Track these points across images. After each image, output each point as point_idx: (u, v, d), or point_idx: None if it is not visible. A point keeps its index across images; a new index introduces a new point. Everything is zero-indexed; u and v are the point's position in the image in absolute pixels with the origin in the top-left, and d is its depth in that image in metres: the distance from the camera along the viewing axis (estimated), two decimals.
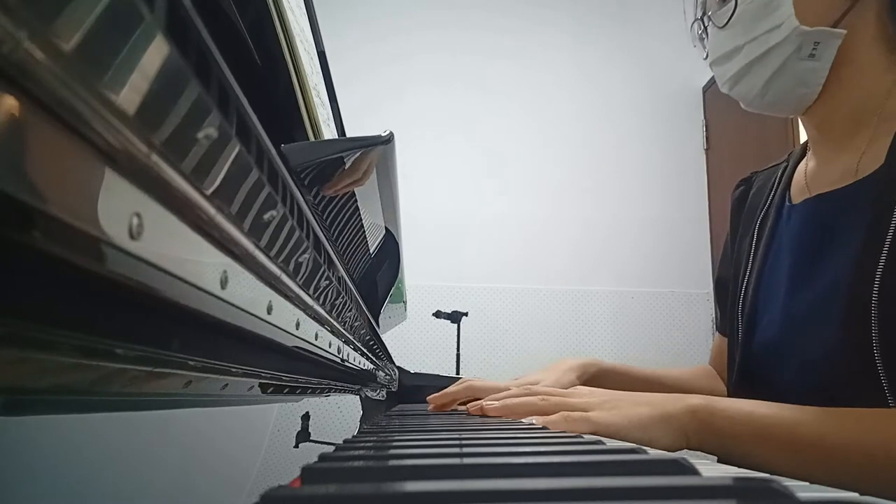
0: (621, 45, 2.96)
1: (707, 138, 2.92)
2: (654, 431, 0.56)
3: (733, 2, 0.66)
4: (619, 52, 2.96)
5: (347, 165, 0.47)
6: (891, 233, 0.56)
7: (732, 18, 0.66)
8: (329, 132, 0.58)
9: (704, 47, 0.74)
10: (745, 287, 0.75)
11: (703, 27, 0.73)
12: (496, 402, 0.65)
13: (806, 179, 0.72)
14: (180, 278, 0.18)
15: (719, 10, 0.69)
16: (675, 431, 0.56)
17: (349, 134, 0.68)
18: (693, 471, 0.23)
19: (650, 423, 0.56)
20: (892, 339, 0.54)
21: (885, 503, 0.19)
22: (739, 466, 0.54)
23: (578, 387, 0.69)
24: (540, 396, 0.63)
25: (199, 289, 0.19)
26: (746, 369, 0.72)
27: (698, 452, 0.56)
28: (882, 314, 0.55)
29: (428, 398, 0.85)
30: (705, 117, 2.93)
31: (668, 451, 0.53)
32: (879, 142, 0.62)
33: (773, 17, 0.64)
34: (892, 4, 0.63)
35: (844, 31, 0.62)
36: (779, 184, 0.76)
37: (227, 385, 0.32)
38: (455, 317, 2.33)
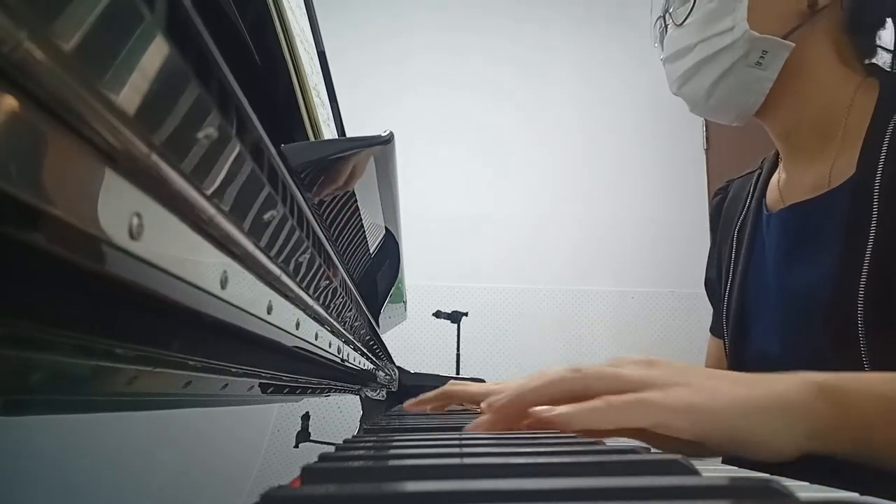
0: (621, 46, 2.96)
1: (707, 138, 2.92)
2: (761, 422, 0.38)
3: (692, 0, 0.67)
4: (618, 52, 2.96)
5: (347, 165, 0.47)
6: (870, 242, 0.57)
7: (689, 18, 0.67)
8: (329, 132, 0.58)
9: (663, 48, 0.75)
10: (728, 296, 0.75)
11: (664, 25, 0.74)
12: (502, 398, 0.44)
13: (780, 189, 0.73)
14: (180, 278, 0.18)
15: (679, 8, 0.70)
16: (797, 423, 0.38)
17: (349, 134, 0.68)
18: (693, 471, 0.23)
19: (754, 410, 0.38)
20: (880, 344, 0.55)
21: (885, 503, 0.19)
22: (878, 461, 0.41)
23: (624, 358, 0.45)
24: (572, 368, 0.43)
25: (199, 289, 0.19)
26: None
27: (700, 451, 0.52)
28: (868, 320, 0.55)
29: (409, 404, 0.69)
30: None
31: (781, 455, 0.38)
32: (848, 152, 0.63)
33: (727, 19, 0.65)
34: (846, 23, 0.65)
35: (793, 45, 0.64)
36: (753, 191, 0.77)
37: (227, 385, 0.32)
38: (455, 317, 2.33)
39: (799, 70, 0.65)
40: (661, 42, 0.75)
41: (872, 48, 0.67)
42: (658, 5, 0.76)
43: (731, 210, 0.80)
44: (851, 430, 0.39)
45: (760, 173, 0.78)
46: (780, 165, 0.75)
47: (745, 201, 0.78)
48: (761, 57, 0.64)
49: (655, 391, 0.39)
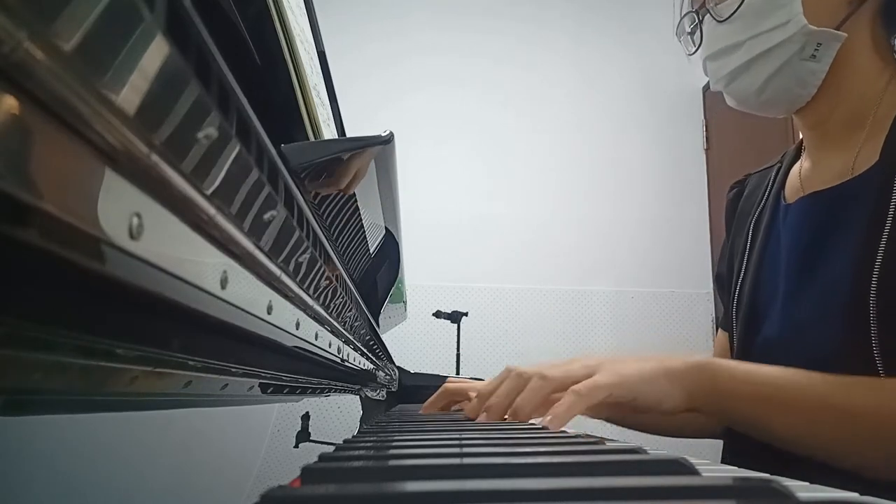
0: (621, 46, 2.96)
1: (707, 138, 2.92)
2: (661, 386, 0.54)
3: None
4: (618, 52, 2.96)
5: (348, 165, 0.47)
6: (887, 230, 0.57)
7: (737, 13, 0.65)
8: (329, 132, 0.58)
9: (693, 42, 0.73)
10: (740, 287, 0.75)
11: (697, 20, 0.71)
12: (494, 401, 0.57)
13: (801, 179, 0.72)
14: (180, 278, 0.18)
15: (721, 4, 0.67)
16: (680, 389, 0.55)
17: (349, 134, 0.68)
18: (693, 471, 0.23)
19: (656, 378, 0.55)
20: (891, 337, 0.55)
21: (885, 503, 0.19)
22: (743, 429, 0.56)
23: (559, 362, 0.61)
24: (536, 376, 0.57)
25: (199, 289, 0.19)
26: None
27: (697, 452, 0.54)
28: (880, 312, 0.55)
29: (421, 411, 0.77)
30: (705, 117, 2.93)
31: (675, 410, 0.55)
32: (873, 140, 0.62)
33: (779, 13, 0.63)
34: (883, 11, 0.65)
35: (845, 35, 0.63)
36: (773, 184, 0.77)
37: (227, 385, 0.32)
38: (455, 317, 2.33)
39: (842, 61, 0.64)
40: (691, 38, 0.73)
41: None
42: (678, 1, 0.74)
43: (748, 203, 0.80)
44: (719, 400, 0.55)
45: (780, 167, 0.78)
46: (804, 155, 0.74)
47: (764, 194, 0.77)
48: (816, 50, 0.63)
49: (600, 375, 0.54)
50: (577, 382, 0.54)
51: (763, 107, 0.69)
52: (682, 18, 0.74)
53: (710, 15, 0.69)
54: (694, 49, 0.73)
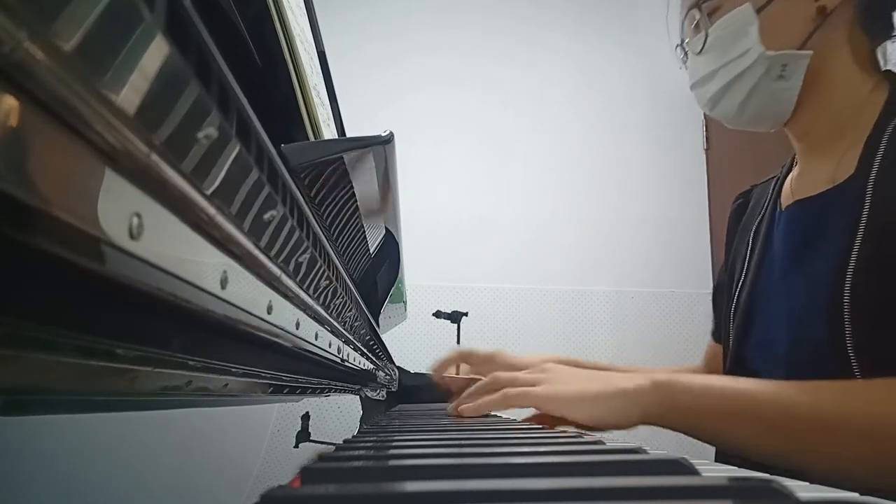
0: (621, 46, 2.96)
1: (707, 138, 2.92)
2: (604, 406, 0.57)
3: (704, 32, 0.71)
4: (618, 52, 2.96)
5: (347, 165, 0.47)
6: (859, 237, 0.59)
7: (705, 47, 0.72)
8: (329, 132, 0.58)
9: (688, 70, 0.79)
10: (739, 292, 0.76)
11: (683, 52, 0.78)
12: (467, 405, 0.65)
13: (791, 186, 0.75)
14: (180, 278, 0.18)
15: (694, 38, 0.74)
16: (634, 406, 0.57)
17: (349, 134, 0.68)
18: (693, 471, 0.23)
19: (599, 398, 0.57)
20: (864, 340, 0.57)
21: (885, 503, 0.19)
22: (709, 442, 0.59)
23: (545, 365, 0.69)
24: (489, 379, 0.65)
25: (199, 289, 0.19)
26: (738, 373, 0.73)
27: (697, 451, 0.55)
28: (854, 316, 0.57)
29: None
30: (705, 117, 2.93)
31: (625, 427, 0.59)
32: (853, 150, 0.65)
33: (741, 43, 0.68)
34: (860, 21, 0.67)
35: (810, 52, 0.66)
36: (772, 194, 0.80)
37: (227, 385, 0.32)
38: (455, 317, 2.32)
39: (819, 74, 0.67)
40: (685, 66, 0.80)
41: (888, 33, 0.68)
42: (674, 28, 0.80)
43: (752, 214, 0.83)
44: (679, 416, 0.57)
45: (779, 177, 0.81)
46: (796, 165, 0.77)
47: (764, 204, 0.80)
48: (782, 69, 0.67)
49: (538, 387, 0.60)
50: (519, 385, 0.60)
51: (749, 124, 0.74)
52: (675, 50, 0.81)
53: (689, 49, 0.76)
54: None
